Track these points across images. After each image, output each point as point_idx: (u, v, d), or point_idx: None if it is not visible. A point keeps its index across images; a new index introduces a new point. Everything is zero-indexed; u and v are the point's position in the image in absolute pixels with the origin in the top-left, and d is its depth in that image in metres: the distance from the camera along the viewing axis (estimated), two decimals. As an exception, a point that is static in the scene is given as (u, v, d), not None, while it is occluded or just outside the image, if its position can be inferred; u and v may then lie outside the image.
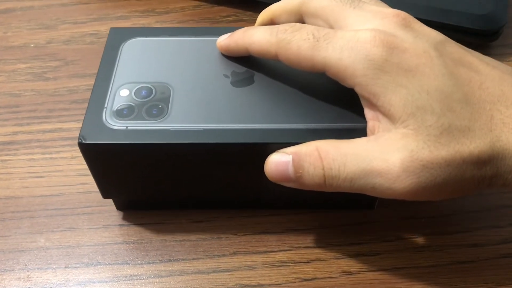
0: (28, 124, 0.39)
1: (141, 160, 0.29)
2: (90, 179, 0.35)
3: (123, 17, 0.46)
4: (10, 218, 0.33)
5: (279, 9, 0.31)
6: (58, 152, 0.37)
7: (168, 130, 0.28)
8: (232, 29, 0.32)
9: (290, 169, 0.26)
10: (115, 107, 0.29)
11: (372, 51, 0.25)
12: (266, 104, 0.29)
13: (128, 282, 0.31)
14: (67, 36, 0.45)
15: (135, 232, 0.33)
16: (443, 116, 0.25)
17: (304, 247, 0.32)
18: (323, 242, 0.32)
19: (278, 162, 0.27)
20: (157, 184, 0.31)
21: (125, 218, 0.33)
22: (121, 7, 0.47)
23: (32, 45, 0.44)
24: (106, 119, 0.28)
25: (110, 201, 0.34)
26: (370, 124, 0.27)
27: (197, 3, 0.47)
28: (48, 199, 0.34)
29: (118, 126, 0.28)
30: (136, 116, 0.28)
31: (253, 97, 0.29)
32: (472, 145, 0.24)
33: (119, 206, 0.34)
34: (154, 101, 0.29)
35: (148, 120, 0.28)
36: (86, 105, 0.39)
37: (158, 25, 0.45)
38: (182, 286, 0.30)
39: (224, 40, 0.31)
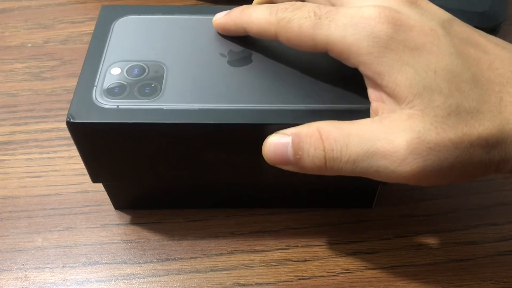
0: (25, 124, 0.38)
1: (132, 141, 0.27)
2: (87, 178, 0.35)
3: (120, 16, 0.46)
4: (7, 218, 0.33)
5: None
6: (55, 151, 0.37)
7: (161, 109, 0.26)
8: (229, 8, 0.30)
9: (289, 151, 0.25)
10: (105, 86, 0.27)
11: (377, 28, 0.24)
12: (264, 84, 0.28)
13: (126, 281, 0.31)
14: (64, 35, 0.45)
15: (133, 231, 0.33)
16: (451, 96, 0.24)
17: (302, 246, 0.32)
18: (320, 241, 0.32)
19: (276, 144, 0.26)
20: (149, 166, 0.29)
21: (122, 217, 0.33)
22: (118, 6, 0.47)
23: (29, 45, 0.44)
24: (96, 98, 0.27)
25: (107, 200, 0.34)
26: (374, 105, 0.26)
27: (195, 2, 0.47)
28: (45, 199, 0.34)
29: (108, 105, 0.27)
30: (128, 95, 0.27)
31: (251, 77, 0.28)
32: (480, 128, 0.24)
33: (116, 205, 0.34)
34: (146, 80, 0.28)
35: (141, 99, 0.27)
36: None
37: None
38: (180, 285, 0.30)
39: (221, 19, 0.30)
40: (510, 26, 0.44)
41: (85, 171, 0.35)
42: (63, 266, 0.31)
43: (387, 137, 0.24)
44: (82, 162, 0.35)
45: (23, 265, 0.31)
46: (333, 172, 0.25)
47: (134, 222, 0.33)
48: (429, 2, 0.27)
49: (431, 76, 0.24)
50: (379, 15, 0.25)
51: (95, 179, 0.31)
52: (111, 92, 0.27)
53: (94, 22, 0.45)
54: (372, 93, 0.26)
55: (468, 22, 0.40)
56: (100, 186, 0.33)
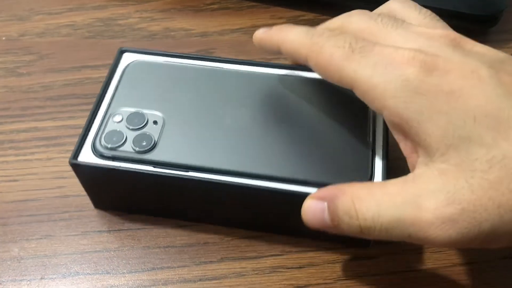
0: (0, 123, 0.37)
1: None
2: (67, 182, 0.34)
3: (100, 7, 0.44)
4: (-19, 226, 0.32)
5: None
6: (32, 153, 0.35)
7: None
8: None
9: (326, 217, 0.25)
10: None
11: (408, 71, 0.23)
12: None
13: (109, 293, 0.29)
14: (42, 28, 0.43)
15: (116, 238, 0.31)
16: (495, 147, 0.21)
17: (296, 252, 0.30)
18: (316, 246, 0.31)
19: (314, 210, 0.25)
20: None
21: (104, 223, 0.32)
22: (98, -4, 0.45)
23: (3, 38, 0.42)
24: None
25: (89, 205, 0.32)
26: (409, 160, 0.24)
27: None
28: (22, 205, 0.33)
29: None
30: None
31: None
32: None
33: (96, 204, 0.32)
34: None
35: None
36: (62, 102, 0.38)
37: (138, 14, 0.43)
38: (167, 297, 0.29)
39: (260, 33, 0.30)
40: (511, 14, 0.42)
41: (65, 174, 0.34)
42: (41, 278, 0.30)
43: (415, 201, 0.22)
44: (61, 164, 0.34)
45: (-2, 277, 0.30)
46: (372, 237, 0.24)
47: (117, 228, 0.31)
48: (476, 43, 0.25)
49: (469, 124, 0.22)
50: (412, 58, 0.23)
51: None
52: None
53: (73, 13, 0.44)
54: (403, 146, 0.25)
55: (467, 10, 0.39)
56: (80, 191, 0.32)
